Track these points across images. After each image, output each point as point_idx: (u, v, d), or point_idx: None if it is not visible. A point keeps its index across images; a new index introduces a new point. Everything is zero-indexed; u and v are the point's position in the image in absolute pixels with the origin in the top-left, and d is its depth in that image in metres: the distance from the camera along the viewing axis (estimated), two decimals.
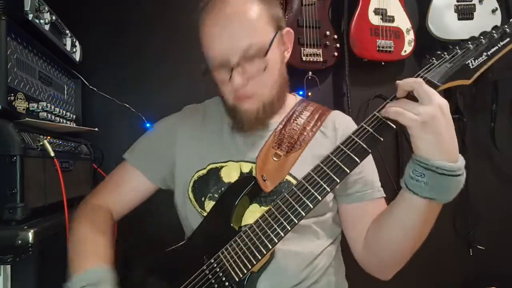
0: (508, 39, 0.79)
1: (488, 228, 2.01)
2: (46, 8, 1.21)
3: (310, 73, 1.85)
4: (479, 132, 2.02)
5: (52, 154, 1.07)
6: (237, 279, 0.81)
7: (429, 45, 1.91)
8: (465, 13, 1.85)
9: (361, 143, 0.76)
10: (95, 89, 1.70)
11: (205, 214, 0.94)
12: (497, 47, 0.78)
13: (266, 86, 0.91)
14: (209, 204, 0.94)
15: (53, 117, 1.22)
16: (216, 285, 0.83)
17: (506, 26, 0.80)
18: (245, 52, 0.85)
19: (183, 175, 0.99)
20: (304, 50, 1.78)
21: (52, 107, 1.22)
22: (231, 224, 0.87)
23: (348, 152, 0.77)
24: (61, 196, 1.07)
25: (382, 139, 0.75)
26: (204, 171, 0.97)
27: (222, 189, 0.93)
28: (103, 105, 1.73)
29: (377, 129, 0.76)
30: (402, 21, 1.86)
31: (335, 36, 1.83)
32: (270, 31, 0.89)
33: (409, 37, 1.86)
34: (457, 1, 1.86)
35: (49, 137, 1.11)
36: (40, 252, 0.94)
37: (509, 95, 2.03)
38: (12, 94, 1.01)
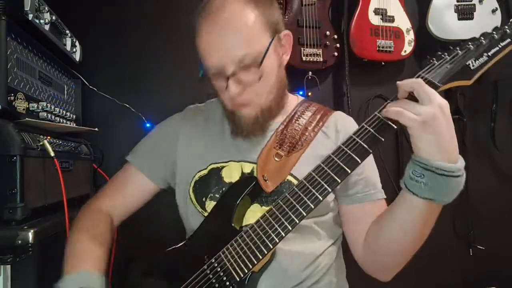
0: (508, 39, 0.79)
1: (488, 228, 2.01)
2: (46, 8, 1.21)
3: (310, 73, 1.85)
4: (479, 132, 2.02)
5: (52, 154, 1.07)
6: (238, 279, 0.81)
7: (429, 45, 1.91)
8: (465, 13, 1.85)
9: (362, 143, 0.76)
10: (95, 89, 1.70)
11: (206, 214, 0.94)
12: (497, 48, 0.78)
13: (263, 93, 0.91)
14: (210, 204, 0.94)
15: (53, 117, 1.22)
16: (217, 285, 0.83)
17: (506, 27, 0.80)
18: (240, 62, 0.85)
19: (184, 175, 1.00)
20: (304, 50, 1.78)
21: (52, 107, 1.22)
22: (232, 224, 0.87)
23: (349, 152, 0.77)
24: (61, 196, 1.07)
25: (383, 140, 0.75)
26: (205, 171, 0.97)
27: (223, 189, 0.93)
28: (103, 105, 1.73)
29: (378, 129, 0.76)
30: (402, 21, 1.86)
31: (335, 36, 1.83)
32: (265, 38, 0.88)
33: (409, 37, 1.86)
34: (457, 1, 1.86)
35: (49, 137, 1.11)
36: (40, 252, 0.94)
37: (509, 95, 2.03)
38: (12, 94, 1.01)
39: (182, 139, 1.03)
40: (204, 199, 0.95)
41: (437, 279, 1.97)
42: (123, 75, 1.79)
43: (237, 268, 0.81)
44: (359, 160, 0.76)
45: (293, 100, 1.06)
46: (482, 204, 1.96)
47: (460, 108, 1.95)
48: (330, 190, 0.77)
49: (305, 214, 0.77)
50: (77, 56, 1.53)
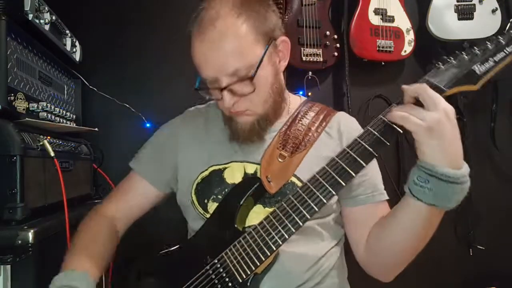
0: None
1: (488, 228, 2.01)
2: (46, 8, 1.21)
3: (310, 73, 1.85)
4: (479, 132, 2.02)
5: (52, 154, 1.07)
6: (240, 280, 0.81)
7: (429, 45, 1.91)
8: (465, 13, 1.85)
9: (367, 146, 0.76)
10: (95, 89, 1.70)
11: (208, 216, 0.94)
12: (504, 53, 0.77)
13: (259, 102, 0.91)
14: (212, 206, 0.93)
15: (53, 117, 1.22)
16: (219, 286, 0.83)
17: None
18: (233, 75, 0.85)
19: (186, 178, 0.99)
20: (304, 50, 1.78)
21: (52, 107, 1.22)
22: (235, 225, 0.86)
23: (354, 155, 0.77)
24: (61, 196, 1.07)
25: (388, 143, 0.75)
26: (207, 173, 0.96)
27: (226, 190, 0.93)
28: (103, 105, 1.73)
29: (383, 133, 0.76)
30: (402, 21, 1.86)
31: (335, 36, 1.83)
32: (259, 49, 0.86)
33: (409, 37, 1.86)
34: (457, 1, 1.86)
35: (49, 137, 1.11)
36: (40, 252, 0.94)
37: (509, 95, 2.03)
38: (12, 94, 1.01)
39: (182, 142, 1.03)
40: (206, 201, 0.94)
41: (437, 279, 1.97)
42: (123, 75, 1.79)
43: (239, 270, 0.81)
44: (363, 164, 0.76)
45: (296, 100, 1.06)
46: (482, 204, 1.96)
47: (460, 108, 1.95)
48: (334, 193, 0.77)
49: (309, 217, 0.77)
50: (77, 56, 1.53)
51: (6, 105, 0.97)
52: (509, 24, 1.88)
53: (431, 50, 1.94)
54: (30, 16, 1.10)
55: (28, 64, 1.13)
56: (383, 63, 1.88)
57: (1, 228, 0.93)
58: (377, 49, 1.83)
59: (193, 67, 0.90)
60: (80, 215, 1.14)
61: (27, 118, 1.04)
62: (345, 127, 0.99)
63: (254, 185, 0.89)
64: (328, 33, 1.81)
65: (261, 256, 0.79)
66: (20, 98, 1.06)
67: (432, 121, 0.69)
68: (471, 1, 1.86)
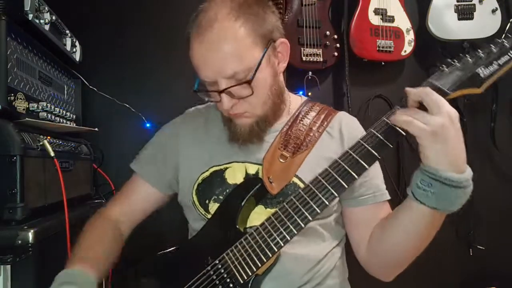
0: None
1: (488, 228, 2.01)
2: (46, 8, 1.20)
3: (310, 73, 1.85)
4: (479, 132, 2.02)
5: (52, 154, 1.07)
6: (241, 281, 0.81)
7: (429, 45, 1.92)
8: (465, 13, 1.85)
9: (370, 148, 0.76)
10: (95, 89, 1.69)
11: (209, 216, 0.93)
12: (508, 56, 0.76)
13: (257, 105, 0.90)
14: (213, 206, 0.93)
15: (53, 117, 1.22)
16: (220, 286, 0.82)
17: None
18: (231, 78, 0.84)
19: (187, 179, 0.99)
20: (304, 50, 1.78)
21: (52, 107, 1.22)
22: (237, 226, 0.86)
23: (356, 157, 0.76)
24: (61, 196, 1.07)
25: (391, 146, 0.75)
26: (207, 173, 0.96)
27: (227, 190, 0.93)
28: (103, 105, 1.73)
29: (387, 136, 0.75)
30: (402, 21, 1.86)
31: (335, 36, 1.83)
32: (257, 51, 0.86)
33: (409, 37, 1.86)
34: (457, 1, 1.86)
35: (49, 137, 1.11)
36: (40, 252, 0.94)
37: (509, 95, 2.03)
38: (12, 94, 1.01)
39: (182, 143, 1.03)
40: (207, 201, 0.94)
41: (437, 278, 1.97)
42: (123, 75, 1.79)
43: (241, 270, 0.81)
44: (366, 166, 0.76)
45: (297, 100, 1.05)
46: (482, 204, 1.96)
47: (460, 108, 1.95)
48: (337, 195, 0.77)
49: (311, 219, 0.77)
50: (77, 56, 1.53)
51: (6, 105, 0.97)
52: (509, 24, 1.88)
53: (431, 50, 1.94)
54: (30, 16, 1.10)
55: (28, 64, 1.13)
56: (383, 63, 1.88)
57: (1, 228, 0.93)
58: (377, 49, 1.83)
59: (193, 67, 0.90)
60: (80, 215, 1.14)
61: (27, 118, 1.04)
62: (346, 127, 0.99)
63: (256, 185, 0.89)
64: (328, 33, 1.81)
65: (263, 257, 0.79)
66: (20, 98, 1.06)
67: (436, 125, 0.69)
68: (471, 1, 1.86)
